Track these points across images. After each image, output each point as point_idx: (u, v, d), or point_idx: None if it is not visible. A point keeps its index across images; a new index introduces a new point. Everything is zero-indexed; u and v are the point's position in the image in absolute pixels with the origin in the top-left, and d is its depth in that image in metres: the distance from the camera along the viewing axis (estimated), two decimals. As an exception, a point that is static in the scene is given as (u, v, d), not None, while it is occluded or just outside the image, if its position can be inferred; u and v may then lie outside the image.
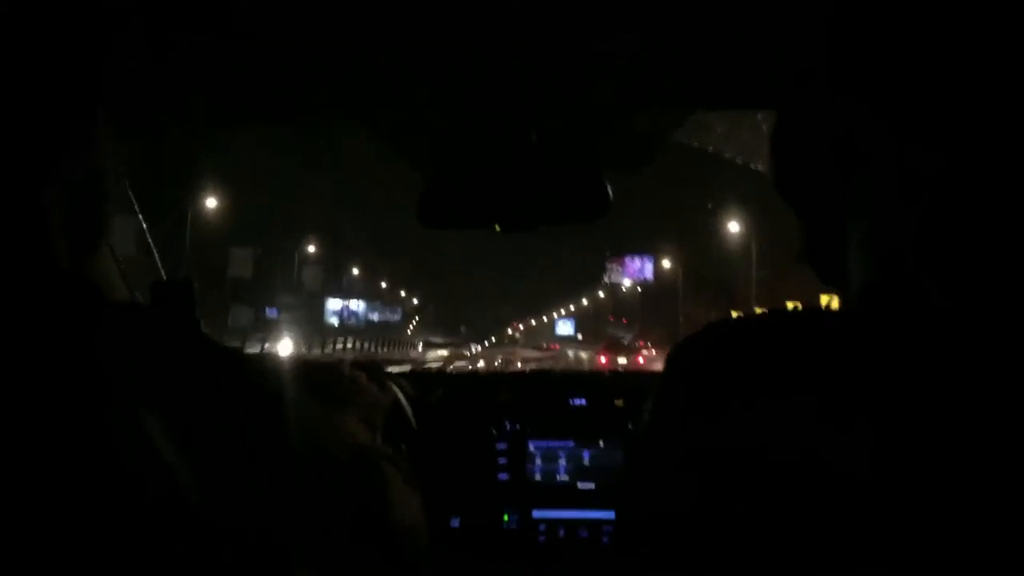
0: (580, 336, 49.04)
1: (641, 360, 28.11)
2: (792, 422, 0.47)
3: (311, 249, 42.22)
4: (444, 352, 32.91)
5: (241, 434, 0.56)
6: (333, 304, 54.17)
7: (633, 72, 1.18)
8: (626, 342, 47.91)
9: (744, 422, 0.49)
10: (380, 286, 59.82)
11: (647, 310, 48.09)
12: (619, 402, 1.64)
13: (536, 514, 1.58)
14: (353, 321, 53.90)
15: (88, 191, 0.60)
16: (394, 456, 0.88)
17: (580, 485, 1.60)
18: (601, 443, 1.61)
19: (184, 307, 1.22)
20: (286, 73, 1.16)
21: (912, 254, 0.51)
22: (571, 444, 1.61)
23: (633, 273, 47.06)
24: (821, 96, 0.57)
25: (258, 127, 1.63)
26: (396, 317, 61.01)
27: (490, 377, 2.42)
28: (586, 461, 1.61)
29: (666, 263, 42.55)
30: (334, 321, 54.09)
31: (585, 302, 65.21)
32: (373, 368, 1.17)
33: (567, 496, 1.59)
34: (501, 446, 1.62)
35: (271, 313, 31.92)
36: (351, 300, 55.04)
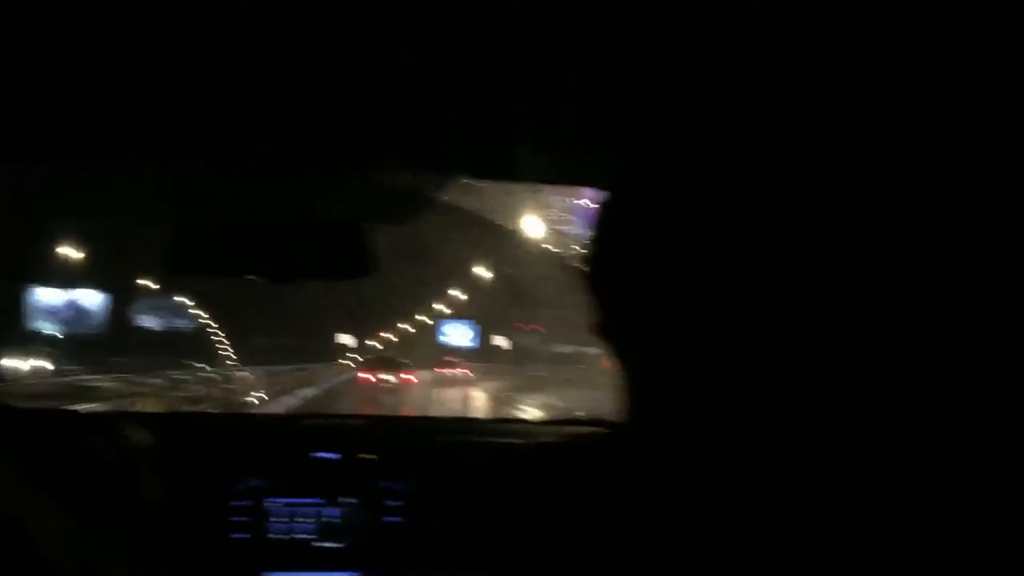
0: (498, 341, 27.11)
1: (414, 379, 25.24)
2: None
3: None
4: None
5: None
6: (48, 296, 30.23)
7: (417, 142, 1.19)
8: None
9: None
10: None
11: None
12: (369, 456, 1.58)
13: None
14: (85, 329, 30.03)
15: None
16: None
17: (324, 545, 1.54)
18: (351, 500, 1.55)
19: None
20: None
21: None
22: (317, 501, 1.54)
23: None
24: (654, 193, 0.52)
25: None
26: (187, 324, 36.56)
27: (227, 421, 2.18)
28: (331, 519, 1.54)
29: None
30: (53, 330, 29.97)
31: (485, 278, 40.78)
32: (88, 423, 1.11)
33: (309, 558, 1.54)
34: (236, 504, 1.53)
35: None
36: (79, 290, 30.34)
